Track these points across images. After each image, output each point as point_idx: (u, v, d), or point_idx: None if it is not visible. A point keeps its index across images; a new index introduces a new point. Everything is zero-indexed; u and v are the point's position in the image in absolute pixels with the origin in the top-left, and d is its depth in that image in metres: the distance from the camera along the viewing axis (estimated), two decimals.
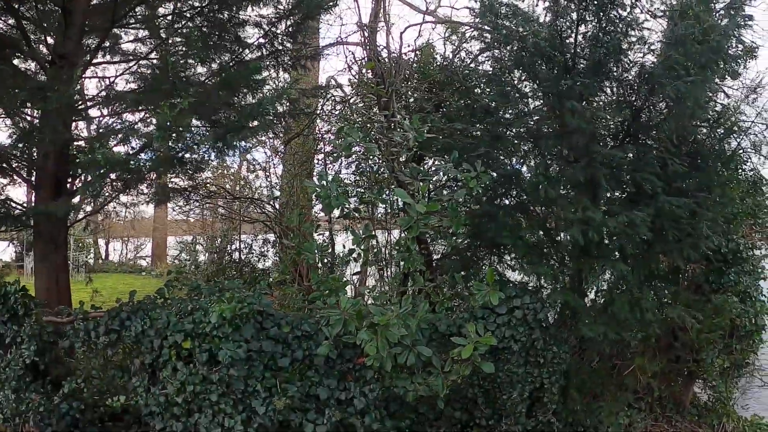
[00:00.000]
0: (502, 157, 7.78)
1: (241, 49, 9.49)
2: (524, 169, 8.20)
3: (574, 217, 6.40)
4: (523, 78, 8.25)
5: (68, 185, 8.78)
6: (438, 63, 10.44)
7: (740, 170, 10.59)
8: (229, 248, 12.86)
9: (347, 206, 6.44)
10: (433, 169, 7.37)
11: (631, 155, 7.22)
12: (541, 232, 7.24)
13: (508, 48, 8.06)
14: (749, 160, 12.03)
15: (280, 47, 9.61)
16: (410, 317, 6.12)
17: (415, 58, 10.75)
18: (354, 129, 6.39)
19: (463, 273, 7.54)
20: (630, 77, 7.88)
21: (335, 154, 8.06)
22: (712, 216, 7.21)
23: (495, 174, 7.26)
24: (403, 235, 6.46)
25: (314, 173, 10.99)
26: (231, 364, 6.48)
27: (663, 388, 9.55)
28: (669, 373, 9.30)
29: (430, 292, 7.12)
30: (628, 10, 7.69)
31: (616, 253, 7.34)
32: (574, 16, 7.71)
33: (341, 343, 6.56)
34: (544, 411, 7.45)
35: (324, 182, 6.18)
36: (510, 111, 7.49)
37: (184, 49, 9.02)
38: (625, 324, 7.09)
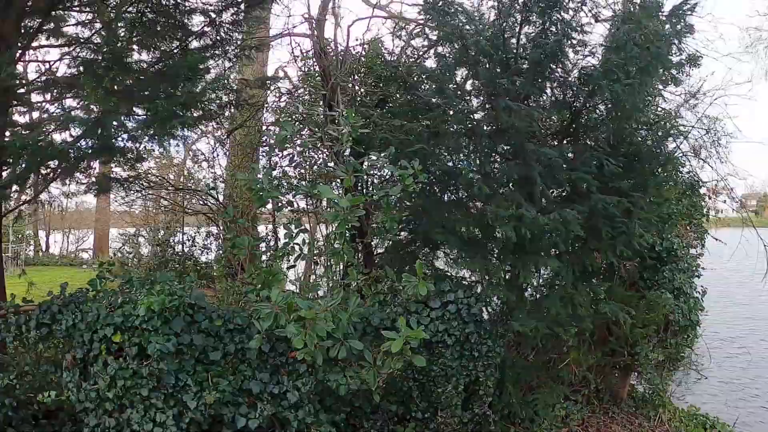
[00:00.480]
0: (444, 154, 7.76)
1: (186, 37, 9.26)
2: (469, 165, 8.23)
3: (507, 213, 6.43)
4: (468, 76, 8.26)
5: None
6: (384, 58, 10.38)
7: (678, 172, 10.89)
8: (172, 241, 12.57)
9: (280, 199, 6.33)
10: (368, 164, 7.25)
11: (568, 154, 7.28)
12: (477, 229, 7.24)
13: (451, 46, 8.05)
14: (687, 163, 12.43)
15: (226, 36, 9.41)
16: (342, 311, 6.06)
17: (363, 53, 10.67)
18: (289, 122, 6.28)
19: (396, 268, 7.50)
20: (570, 79, 7.96)
21: (272, 147, 7.94)
22: (645, 215, 7.37)
23: (433, 170, 7.22)
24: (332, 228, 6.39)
25: (260, 165, 10.82)
26: (160, 357, 6.31)
27: (600, 381, 9.78)
28: (605, 366, 9.54)
29: (362, 285, 7.08)
30: (572, 13, 7.77)
31: (553, 249, 7.42)
32: (519, 17, 7.75)
33: (274, 336, 6.47)
34: (480, 404, 7.50)
35: (256, 174, 6.06)
36: (451, 108, 7.46)
37: (128, 34, 8.76)
38: (557, 319, 7.17)
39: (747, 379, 15.31)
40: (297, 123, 8.64)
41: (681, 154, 12.42)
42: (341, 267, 9.07)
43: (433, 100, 7.64)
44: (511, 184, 7.34)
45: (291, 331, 5.86)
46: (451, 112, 7.48)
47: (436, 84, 7.61)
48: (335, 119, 7.09)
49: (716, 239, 11.73)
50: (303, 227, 7.04)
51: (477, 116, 8.01)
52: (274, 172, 8.24)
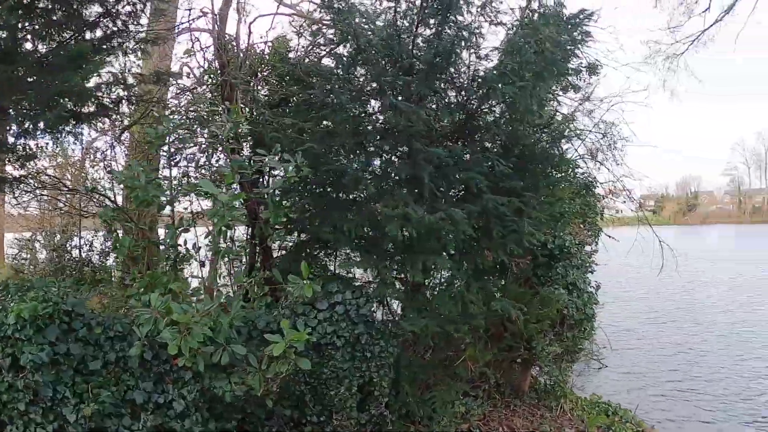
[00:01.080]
0: (336, 154, 7.59)
1: (81, 28, 8.71)
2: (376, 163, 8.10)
3: (394, 213, 6.35)
4: (366, 76, 8.13)
5: None
6: (287, 57, 10.10)
7: (573, 173, 11.16)
8: (68, 245, 11.87)
9: (159, 199, 6.00)
10: (260, 163, 7.01)
11: (464, 155, 7.25)
12: (368, 229, 7.12)
13: (346, 45, 7.92)
14: (584, 165, 12.79)
15: (123, 28, 8.92)
16: (223, 314, 5.79)
17: (267, 50, 10.35)
18: (168, 118, 5.96)
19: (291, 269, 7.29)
20: (464, 81, 7.96)
21: (152, 144, 7.55)
22: (536, 214, 7.46)
23: (324, 169, 7.05)
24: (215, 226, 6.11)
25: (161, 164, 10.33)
26: (35, 368, 5.91)
27: (500, 376, 9.90)
28: (503, 361, 9.66)
29: (248, 287, 6.84)
30: (469, 17, 7.76)
31: (451, 249, 7.40)
32: (415, 18, 7.68)
33: (156, 343, 6.15)
34: (376, 404, 7.42)
35: (134, 173, 5.72)
36: (341, 107, 7.29)
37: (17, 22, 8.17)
38: (448, 317, 7.15)
39: (646, 368, 16.02)
40: (185, 120, 8.26)
41: (578, 156, 12.82)
42: (243, 268, 8.79)
43: (327, 98, 7.46)
44: (401, 184, 7.25)
45: (166, 336, 5.56)
46: (343, 112, 7.29)
47: (328, 83, 7.43)
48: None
49: (609, 236, 12.13)
50: (184, 228, 6.73)
51: (375, 117, 7.91)
52: (174, 172, 7.90)
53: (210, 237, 6.40)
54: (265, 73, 10.09)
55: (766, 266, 40.66)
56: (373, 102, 8.11)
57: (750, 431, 11.64)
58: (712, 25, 18.04)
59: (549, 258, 9.62)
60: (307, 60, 9.79)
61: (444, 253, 7.20)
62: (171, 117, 6.23)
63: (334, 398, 6.96)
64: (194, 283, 7.36)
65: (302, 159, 6.25)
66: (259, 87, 10.05)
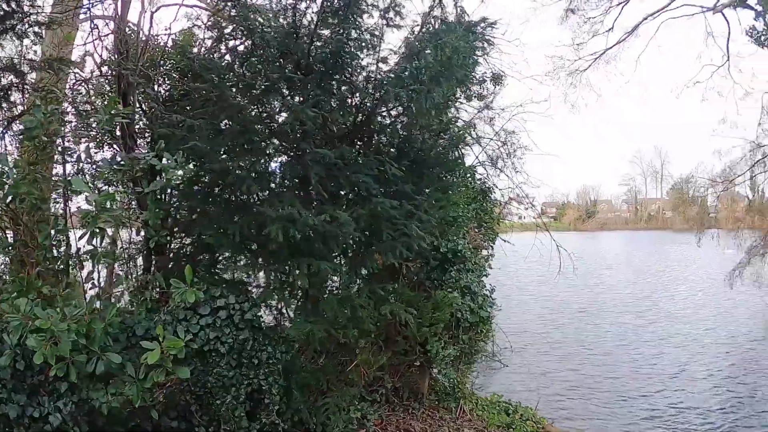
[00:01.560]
0: (230, 152, 7.34)
1: None
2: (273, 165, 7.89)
3: (278, 214, 6.20)
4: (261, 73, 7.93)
5: None
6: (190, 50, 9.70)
7: (470, 179, 11.40)
8: None
9: (35, 195, 5.58)
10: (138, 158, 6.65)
11: (350, 156, 7.17)
12: (253, 230, 6.90)
13: (243, 41, 7.72)
14: (482, 171, 13.10)
15: (18, 9, 8.27)
16: (97, 321, 5.45)
17: (170, 43, 9.90)
18: (38, 109, 5.56)
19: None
20: (360, 82, 7.90)
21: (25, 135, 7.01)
22: (427, 218, 7.41)
23: (207, 168, 6.80)
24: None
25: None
26: None
27: (396, 380, 9.88)
28: (400, 365, 9.64)
29: (128, 292, 6.50)
30: (373, 18, 7.73)
31: (339, 253, 7.30)
32: (315, 17, 7.56)
33: (30, 352, 5.66)
34: (267, 413, 7.17)
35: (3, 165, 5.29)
36: (226, 103, 7.05)
37: None
38: (336, 322, 7.03)
39: (546, 368, 16.65)
40: (75, 110, 7.75)
41: (478, 163, 13.14)
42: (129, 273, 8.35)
43: (213, 95, 7.20)
44: (291, 185, 7.11)
45: (31, 344, 5.16)
46: (230, 109, 7.05)
47: (219, 78, 7.16)
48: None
49: (505, 241, 12.47)
50: (60, 228, 6.31)
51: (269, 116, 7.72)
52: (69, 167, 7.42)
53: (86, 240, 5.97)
54: (167, 67, 9.66)
55: (661, 269, 43.36)
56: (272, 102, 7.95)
57: (647, 426, 12.35)
58: (614, 45, 18.97)
59: (442, 262, 9.69)
60: (207, 55, 9.48)
61: (336, 257, 7.11)
62: (55, 107, 5.79)
63: (221, 407, 6.68)
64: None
65: (185, 158, 5.97)
66: (160, 80, 9.62)
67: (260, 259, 6.85)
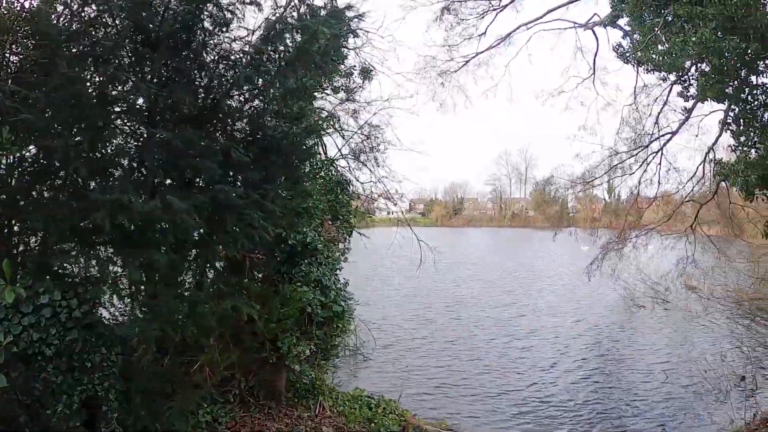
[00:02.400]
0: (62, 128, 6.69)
1: None
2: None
3: (106, 199, 5.73)
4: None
5: None
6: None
7: (327, 170, 11.45)
8: None
9: None
10: None
11: (193, 140, 6.81)
12: (86, 219, 6.32)
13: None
14: (344, 164, 13.18)
15: None
16: None
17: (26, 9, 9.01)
18: None
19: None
20: (210, 62, 7.53)
21: None
22: (273, 208, 7.23)
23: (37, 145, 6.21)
24: None
25: None
26: None
27: (250, 378, 9.71)
28: (251, 363, 9.46)
29: None
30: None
31: (180, 244, 6.95)
32: None
33: None
34: (106, 422, 6.78)
35: None
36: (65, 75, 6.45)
37: None
38: (172, 319, 6.73)
39: (412, 363, 17.06)
40: None
41: (340, 155, 13.20)
42: None
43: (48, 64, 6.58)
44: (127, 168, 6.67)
45: None
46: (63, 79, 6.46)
47: (55, 46, 6.50)
48: None
49: (361, 234, 12.61)
50: None
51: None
52: None
53: None
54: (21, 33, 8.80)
55: (524, 264, 45.83)
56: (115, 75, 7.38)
57: (512, 424, 12.78)
58: (486, 50, 19.51)
59: (291, 255, 9.60)
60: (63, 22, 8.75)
61: (174, 248, 6.74)
62: None
63: (52, 417, 6.17)
64: None
65: (14, 133, 5.43)
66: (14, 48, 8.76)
67: (91, 250, 6.33)
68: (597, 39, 19.07)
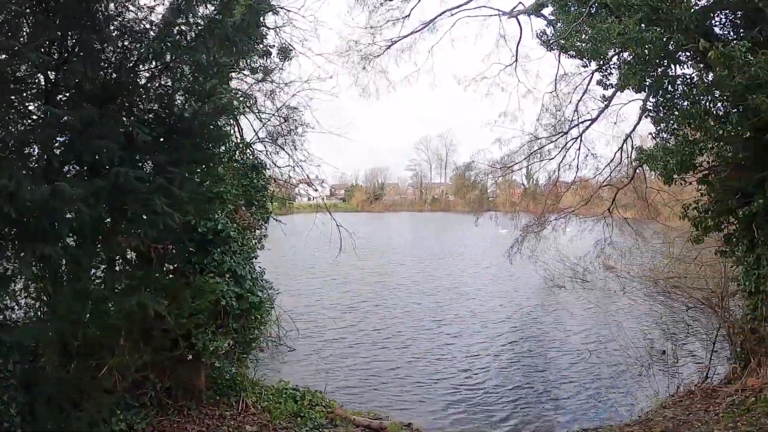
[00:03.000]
0: None
1: None
2: None
3: None
4: None
5: None
6: None
7: (242, 153, 10.91)
8: None
9: None
10: None
11: (91, 120, 6.15)
12: None
13: None
14: (261, 148, 12.67)
15: None
16: None
17: None
18: None
19: None
20: (118, 34, 6.82)
21: None
22: (179, 192, 6.60)
23: None
24: None
25: None
26: None
27: (166, 379, 9.07)
28: (166, 362, 8.77)
29: None
30: None
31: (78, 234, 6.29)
32: None
33: None
34: None
35: None
36: None
37: None
38: (72, 318, 6.08)
39: (340, 353, 16.76)
40: None
41: (257, 139, 12.67)
42: None
43: None
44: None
45: None
46: None
47: None
48: None
49: (278, 220, 12.13)
50: None
51: None
52: None
53: None
54: None
55: (447, 248, 46.31)
56: None
57: (444, 414, 12.60)
58: (409, 35, 19.11)
59: (202, 243, 9.02)
60: None
61: (74, 240, 6.12)
62: None
63: None
64: None
65: None
66: None
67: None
68: (521, 27, 19.27)
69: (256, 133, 14.06)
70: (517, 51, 20.11)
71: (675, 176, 12.06)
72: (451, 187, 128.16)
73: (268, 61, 13.98)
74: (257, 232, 10.72)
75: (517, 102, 43.07)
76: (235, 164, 9.99)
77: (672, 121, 12.04)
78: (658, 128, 12.39)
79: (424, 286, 28.20)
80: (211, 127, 7.81)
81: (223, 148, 9.03)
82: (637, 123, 18.91)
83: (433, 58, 26.28)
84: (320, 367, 15.03)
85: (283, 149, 14.23)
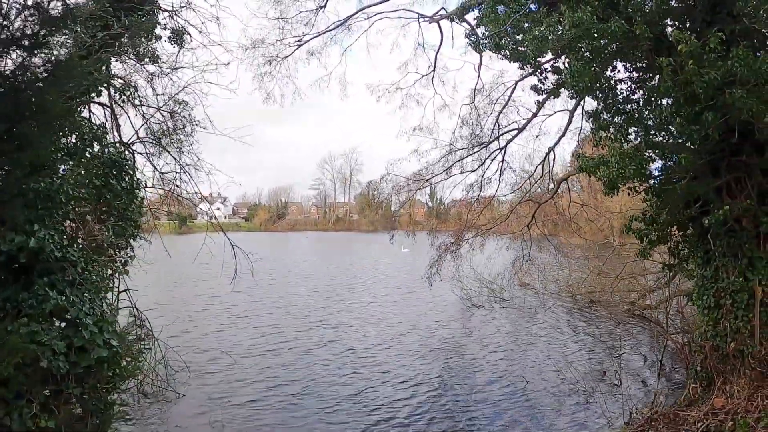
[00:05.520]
0: None
1: None
2: None
3: None
4: None
5: None
6: None
7: (104, 147, 7.96)
8: None
9: None
10: None
11: None
12: None
13: None
14: (137, 147, 10.22)
15: None
16: None
17: None
18: None
19: None
20: None
21: None
22: None
23: None
24: None
25: None
26: None
27: None
28: None
29: None
30: None
31: None
32: None
33: None
34: None
35: None
36: None
37: None
38: None
39: (238, 392, 13.14)
40: None
41: (136, 138, 10.05)
42: None
43: None
44: None
45: None
46: None
47: None
48: None
49: (144, 239, 9.14)
50: None
51: None
52: None
53: None
54: None
55: (355, 269, 43.48)
56: None
57: None
58: (324, 32, 16.55)
59: (14, 271, 5.88)
60: None
61: None
62: None
63: None
64: None
65: None
66: None
67: None
68: (442, 33, 17.39)
69: (136, 132, 11.23)
70: (435, 59, 18.29)
71: (620, 186, 10.53)
72: (355, 207, 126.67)
73: (161, 46, 11.51)
74: (121, 252, 7.57)
75: (432, 115, 41.58)
76: (91, 158, 6.94)
77: (624, 126, 10.58)
78: (608, 133, 10.86)
79: (331, 309, 24.44)
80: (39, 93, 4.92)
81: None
82: (562, 135, 17.56)
83: (346, 61, 23.66)
84: (215, 417, 11.64)
85: (167, 150, 11.45)
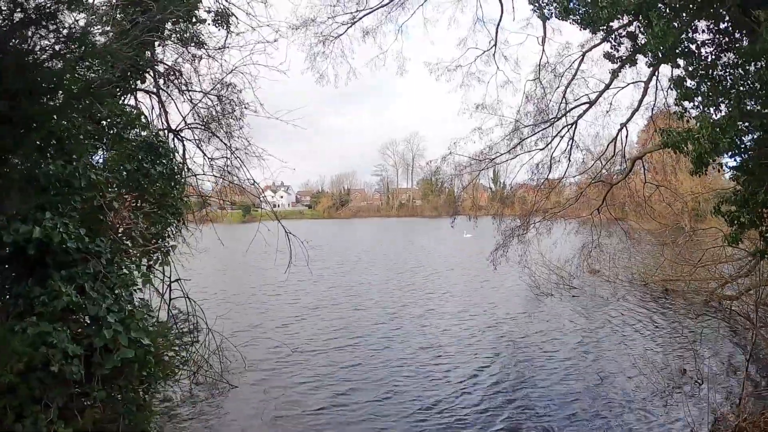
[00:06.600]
0: None
1: None
2: None
3: None
4: None
5: None
6: None
7: (133, 124, 7.40)
8: None
9: None
10: None
11: None
12: None
13: None
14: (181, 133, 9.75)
15: None
16: None
17: None
18: None
19: None
20: None
21: None
22: None
23: None
24: None
25: None
26: None
27: None
28: None
29: None
30: None
31: None
32: None
33: None
34: None
35: None
36: None
37: None
38: None
39: (293, 381, 12.52)
40: None
41: (184, 125, 9.57)
42: None
43: None
44: None
45: None
46: None
47: None
48: None
49: (190, 229, 8.60)
50: None
51: None
52: None
53: None
54: None
55: (421, 256, 42.29)
56: None
57: None
58: (377, 8, 15.82)
59: (24, 263, 5.26)
60: None
61: None
62: None
63: None
64: None
65: None
66: None
67: None
68: (502, 5, 16.24)
69: (183, 118, 10.80)
70: (497, 33, 17.15)
71: (711, 162, 9.18)
72: (417, 192, 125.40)
73: (205, 30, 11.01)
74: (154, 244, 6.94)
75: (495, 92, 39.95)
76: (120, 139, 6.35)
77: (711, 93, 9.15)
78: (695, 102, 9.49)
79: (400, 300, 22.84)
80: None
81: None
82: (636, 109, 16.15)
83: (402, 38, 22.72)
84: (269, 413, 10.99)
85: (216, 135, 10.96)
